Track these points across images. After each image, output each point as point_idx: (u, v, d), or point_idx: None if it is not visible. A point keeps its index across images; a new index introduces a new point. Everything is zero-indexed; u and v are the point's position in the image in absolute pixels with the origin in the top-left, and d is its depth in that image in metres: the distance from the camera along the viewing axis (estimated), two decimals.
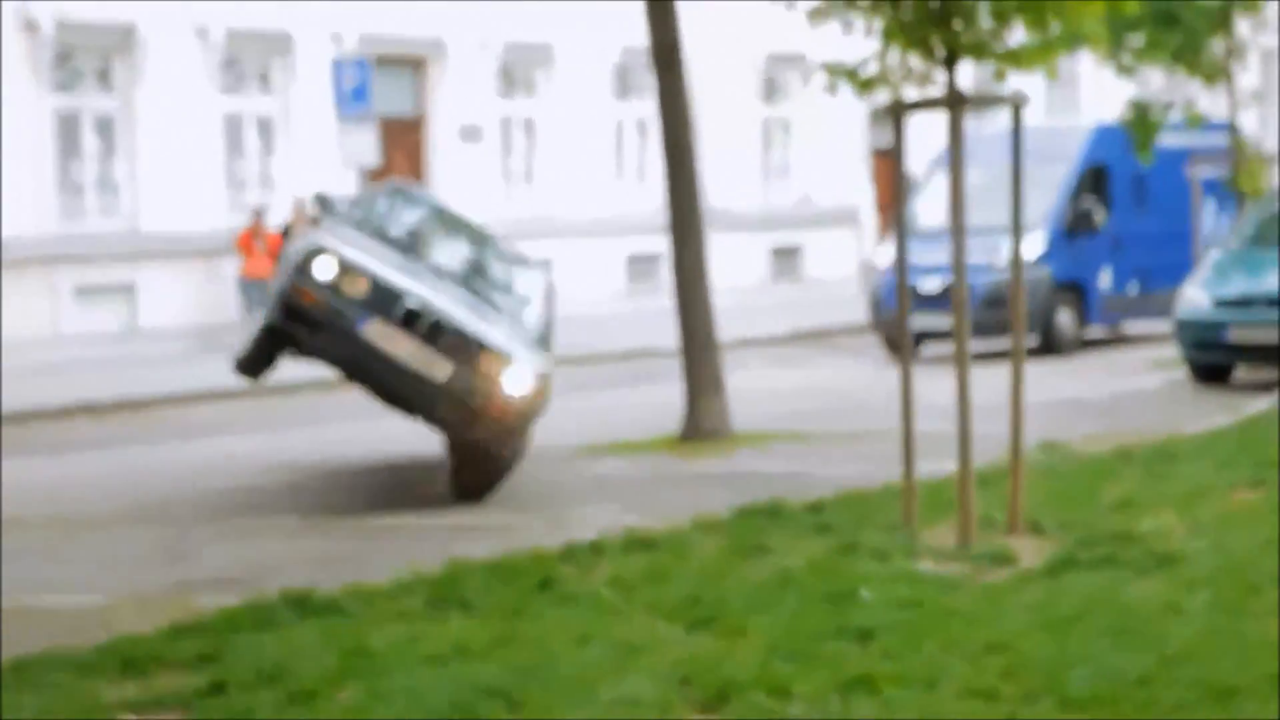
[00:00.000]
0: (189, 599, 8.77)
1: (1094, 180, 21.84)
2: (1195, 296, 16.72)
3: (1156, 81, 22.94)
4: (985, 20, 9.89)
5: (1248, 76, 22.84)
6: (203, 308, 22.63)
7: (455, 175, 26.89)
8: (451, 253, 12.60)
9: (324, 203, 12.79)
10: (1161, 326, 21.29)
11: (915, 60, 10.07)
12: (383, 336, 11.00)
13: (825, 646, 6.88)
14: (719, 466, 12.67)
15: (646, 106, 24.90)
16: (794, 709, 6.16)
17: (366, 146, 21.89)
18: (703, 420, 13.77)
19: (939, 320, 19.68)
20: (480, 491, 11.47)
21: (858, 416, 14.97)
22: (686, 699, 6.37)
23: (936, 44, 9.74)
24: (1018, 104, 9.43)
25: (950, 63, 9.78)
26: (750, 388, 16.67)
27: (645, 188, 28.71)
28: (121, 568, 9.89)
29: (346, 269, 11.11)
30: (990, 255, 19.54)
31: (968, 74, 11.18)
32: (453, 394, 11.01)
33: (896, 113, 9.55)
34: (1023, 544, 8.90)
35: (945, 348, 20.06)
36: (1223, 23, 20.35)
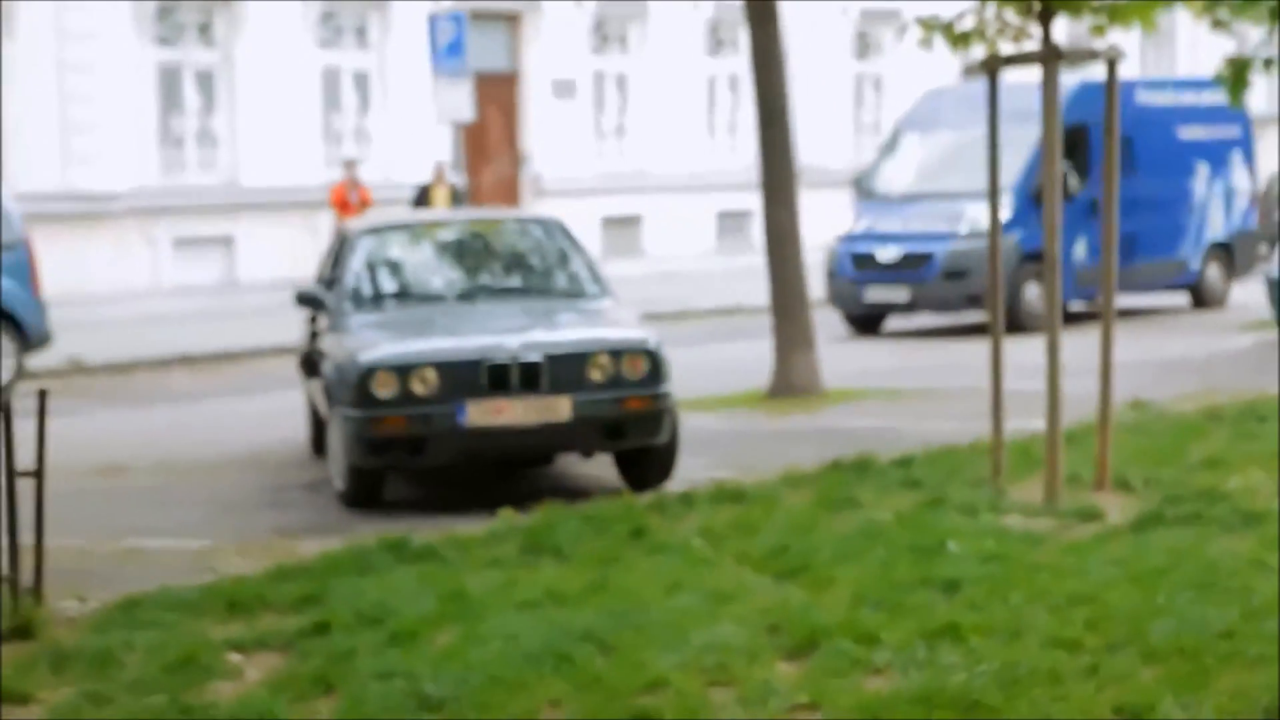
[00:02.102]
0: (290, 543, 9.03)
1: (1071, 142, 19.83)
2: None
3: (1255, 36, 22.68)
4: None
5: None
6: (299, 261, 22.89)
7: (548, 131, 27.04)
8: (469, 262, 11.46)
9: (309, 301, 11.34)
10: (1150, 300, 20.28)
11: (1011, 14, 10.09)
12: (487, 415, 9.80)
13: (911, 597, 7.00)
14: (808, 422, 12.79)
15: (739, 62, 24.90)
16: (880, 656, 6.30)
17: (461, 101, 22.02)
18: (793, 377, 13.87)
19: (895, 293, 18.94)
20: (656, 482, 10.26)
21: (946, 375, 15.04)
22: (775, 645, 6.52)
23: None
24: (1113, 59, 9.41)
25: (1046, 17, 9.79)
26: (841, 343, 16.76)
27: (736, 144, 28.76)
28: (224, 513, 10.17)
29: (405, 370, 9.81)
30: (953, 223, 18.80)
31: (1062, 29, 11.19)
32: (588, 423, 9.91)
33: (991, 68, 9.56)
34: (1109, 501, 8.97)
35: (905, 322, 19.61)
36: None
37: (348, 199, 22.19)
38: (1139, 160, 19.62)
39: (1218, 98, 21.86)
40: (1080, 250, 19.52)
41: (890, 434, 11.62)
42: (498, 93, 26.62)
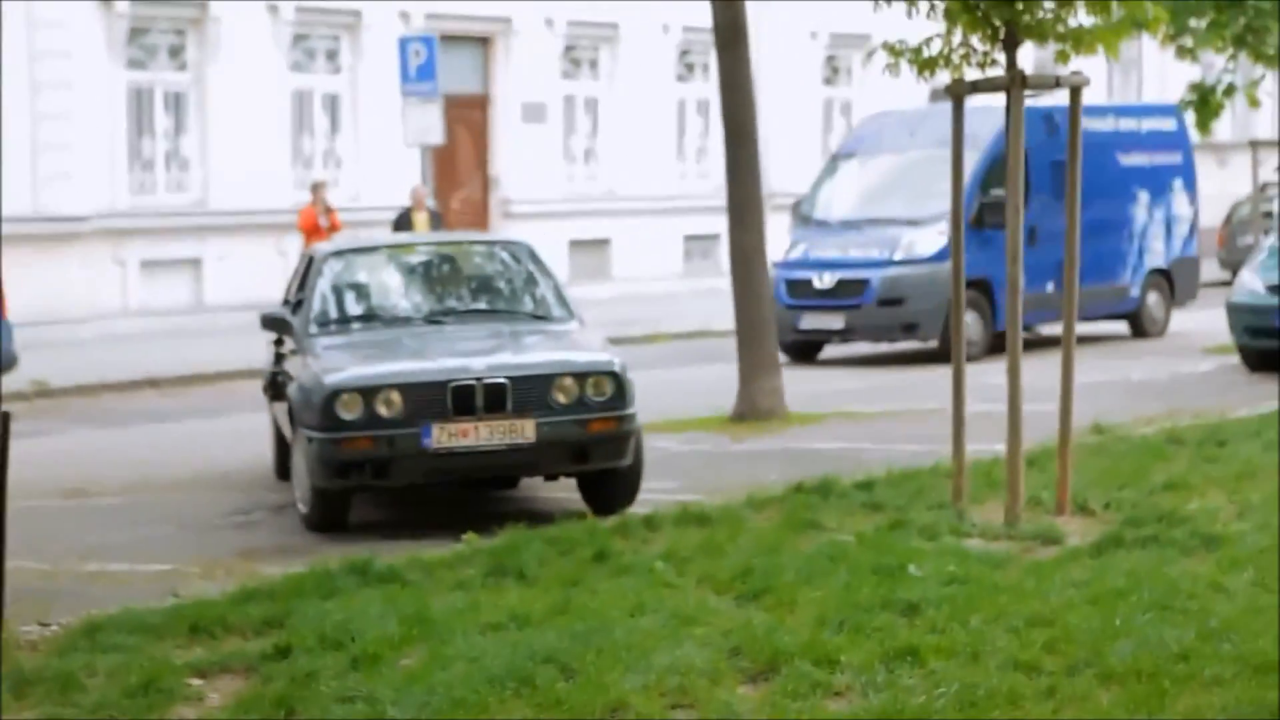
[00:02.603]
0: (254, 566, 9.03)
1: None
2: (1249, 282, 16.68)
3: (1219, 64, 22.84)
4: (1048, 1, 9.99)
5: None
6: (267, 283, 22.92)
7: (517, 153, 27.10)
8: (435, 285, 11.49)
9: (274, 324, 11.31)
10: (1089, 328, 19.23)
11: (977, 41, 10.18)
12: (452, 436, 9.80)
13: (873, 619, 7.04)
14: (773, 444, 12.83)
15: (708, 87, 24.99)
16: (841, 678, 6.33)
17: (431, 124, 22.06)
18: (757, 399, 13.91)
19: (831, 320, 18.62)
20: (621, 505, 10.22)
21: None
22: (737, 668, 6.55)
23: (998, 24, 9.85)
24: (1077, 86, 9.47)
25: (1011, 43, 9.88)
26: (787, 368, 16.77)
27: (705, 168, 28.86)
28: (188, 535, 10.17)
29: (371, 392, 9.80)
30: (890, 249, 18.67)
31: (1028, 57, 11.29)
32: (553, 445, 9.91)
33: (957, 93, 9.63)
34: (1070, 523, 9.03)
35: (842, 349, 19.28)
36: None
37: (317, 222, 22.12)
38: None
39: (1160, 124, 21.38)
40: None
41: (853, 456, 11.67)
42: (467, 115, 26.68)
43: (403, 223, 21.54)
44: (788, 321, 18.73)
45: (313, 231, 21.68)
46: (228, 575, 8.74)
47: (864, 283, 18.59)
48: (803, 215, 20.15)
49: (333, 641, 7.00)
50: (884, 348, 19.50)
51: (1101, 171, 19.19)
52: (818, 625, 6.98)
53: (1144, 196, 20.58)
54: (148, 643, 7.17)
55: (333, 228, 21.75)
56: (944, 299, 17.82)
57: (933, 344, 18.64)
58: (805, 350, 19.28)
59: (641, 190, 28.46)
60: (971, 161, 18.39)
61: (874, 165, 20.28)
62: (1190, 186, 21.30)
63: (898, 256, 18.66)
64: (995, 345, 18.61)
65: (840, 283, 18.68)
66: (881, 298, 18.52)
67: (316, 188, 22.54)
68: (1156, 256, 20.76)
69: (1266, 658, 6.27)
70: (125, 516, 10.79)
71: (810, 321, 18.90)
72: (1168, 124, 21.37)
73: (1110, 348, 19.38)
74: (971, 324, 18.34)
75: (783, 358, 18.37)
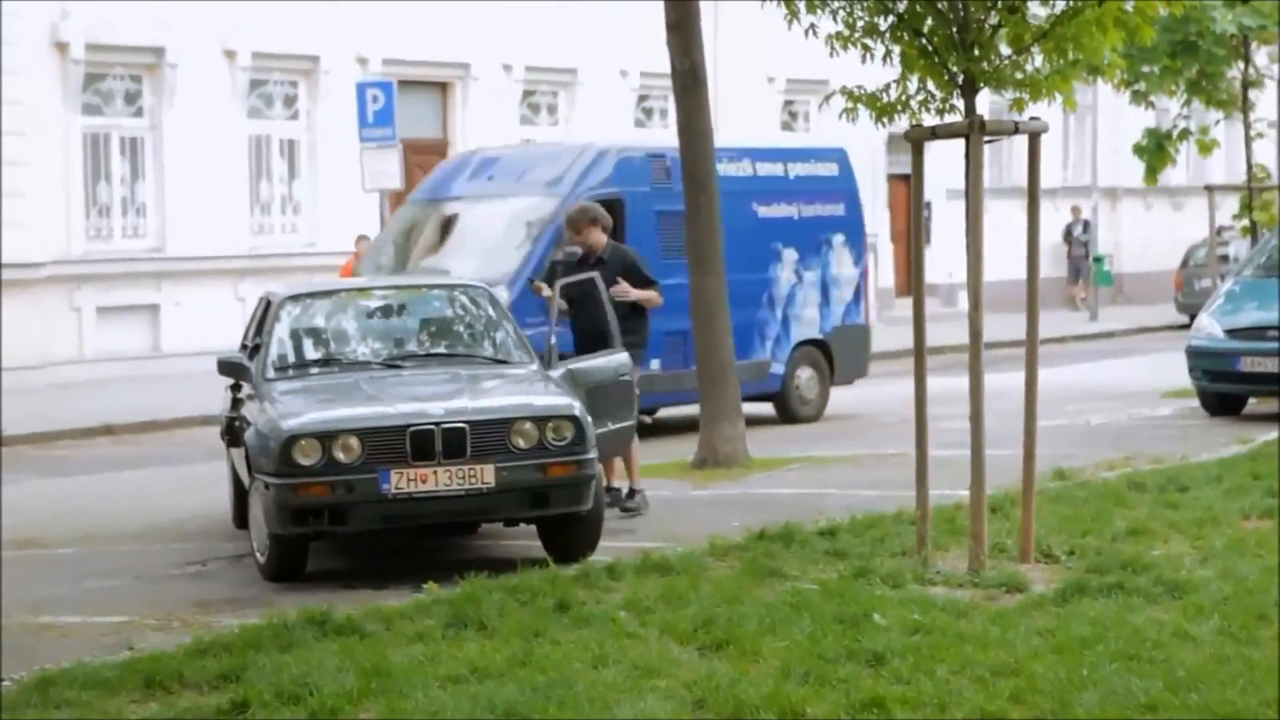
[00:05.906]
0: (210, 617, 8.91)
1: None
2: (1208, 326, 16.72)
3: (1175, 109, 22.99)
4: (1004, 48, 10.03)
5: (1264, 106, 22.88)
6: (225, 329, 22.80)
7: None
8: (394, 329, 11.42)
9: (231, 369, 10.99)
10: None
11: (934, 87, 10.20)
12: (411, 481, 9.71)
13: (837, 669, 6.98)
14: (734, 491, 12.77)
15: (668, 132, 25.00)
16: None
17: (389, 169, 21.97)
18: (719, 446, 13.86)
19: None
20: (582, 552, 10.07)
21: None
22: None
23: (955, 71, 9.87)
24: (1035, 132, 9.47)
25: (968, 90, 9.90)
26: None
27: None
28: (143, 586, 10.03)
29: (329, 438, 9.68)
30: None
31: (984, 103, 11.29)
32: (512, 490, 9.84)
33: (916, 139, 9.62)
34: (1034, 570, 8.99)
35: None
36: (1240, 52, 20.45)
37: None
38: None
39: (817, 169, 17.64)
40: None
41: (815, 503, 11.60)
42: (427, 160, 26.61)
43: None
44: None
45: None
46: (183, 627, 8.62)
47: None
48: (375, 265, 16.94)
49: (290, 696, 6.90)
50: None
51: (734, 226, 15.45)
52: (782, 676, 6.92)
53: (790, 255, 17.37)
54: (101, 698, 7.06)
55: None
56: None
57: None
58: None
59: None
60: (547, 210, 15.83)
61: (443, 214, 16.95)
62: (856, 243, 18.02)
63: None
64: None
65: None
66: None
67: (359, 241, 22.34)
68: (808, 326, 17.45)
69: (1234, 709, 6.24)
70: (79, 567, 10.64)
71: None
72: (827, 169, 17.93)
73: (1068, 389, 19.34)
74: None
75: None
